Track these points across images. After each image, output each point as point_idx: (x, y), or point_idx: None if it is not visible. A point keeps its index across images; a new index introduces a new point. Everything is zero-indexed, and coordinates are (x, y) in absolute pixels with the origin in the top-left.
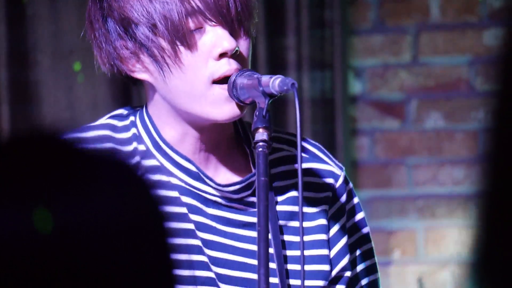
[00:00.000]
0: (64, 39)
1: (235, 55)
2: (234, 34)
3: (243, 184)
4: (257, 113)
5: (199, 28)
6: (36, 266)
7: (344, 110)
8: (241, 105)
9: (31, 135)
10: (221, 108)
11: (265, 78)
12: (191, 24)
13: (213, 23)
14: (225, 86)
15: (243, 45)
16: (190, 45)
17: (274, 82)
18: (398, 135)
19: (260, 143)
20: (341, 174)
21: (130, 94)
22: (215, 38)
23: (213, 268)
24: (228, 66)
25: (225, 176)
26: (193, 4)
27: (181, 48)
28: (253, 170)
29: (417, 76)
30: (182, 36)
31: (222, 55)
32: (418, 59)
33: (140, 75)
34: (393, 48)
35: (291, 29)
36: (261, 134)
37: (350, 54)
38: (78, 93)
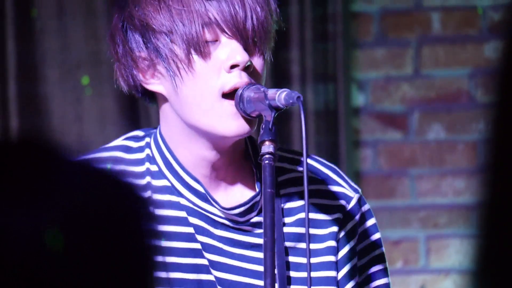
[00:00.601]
0: (72, 53)
1: (248, 70)
2: (249, 50)
3: (247, 206)
4: (263, 126)
5: (215, 41)
6: (46, 282)
7: (347, 122)
8: (249, 119)
9: (48, 152)
10: (228, 123)
11: (271, 92)
12: (208, 35)
13: (229, 36)
14: (233, 102)
15: (257, 62)
16: (204, 55)
17: (280, 96)
18: (400, 146)
19: (267, 156)
20: (355, 196)
21: (137, 107)
22: (229, 50)
23: None
24: (239, 79)
25: (232, 198)
26: (211, 16)
27: (195, 57)
28: (257, 190)
29: (419, 88)
30: (197, 46)
31: (233, 67)
32: (419, 72)
33: (155, 87)
34: (395, 61)
35: (295, 42)
36: (268, 147)
37: (353, 67)
38: (86, 106)
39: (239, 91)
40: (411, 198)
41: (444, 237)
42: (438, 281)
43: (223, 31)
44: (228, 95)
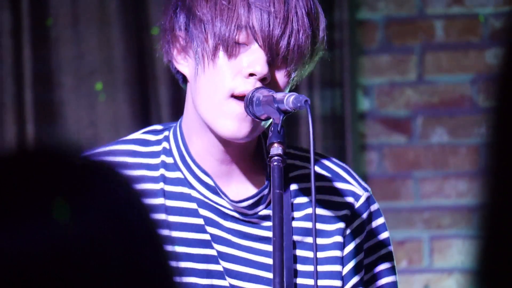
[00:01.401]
0: (86, 60)
1: (264, 81)
2: (275, 65)
3: (255, 199)
4: (272, 128)
5: (245, 44)
6: (54, 273)
7: (353, 126)
8: (254, 125)
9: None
10: (228, 123)
11: (279, 95)
12: (240, 37)
13: (258, 45)
14: (241, 102)
15: (280, 78)
16: (229, 54)
17: (288, 99)
18: (405, 150)
19: (275, 157)
20: (363, 194)
21: (149, 112)
22: (252, 58)
23: (227, 279)
24: (251, 87)
25: (241, 191)
26: (250, 22)
27: (221, 53)
28: (265, 183)
29: (422, 94)
30: (226, 44)
31: (251, 75)
32: (423, 78)
33: (182, 67)
34: (400, 67)
35: None
36: (276, 149)
37: (359, 73)
38: (100, 112)
39: (249, 94)
40: (415, 200)
41: (447, 237)
42: (441, 280)
43: (255, 39)
44: (237, 97)
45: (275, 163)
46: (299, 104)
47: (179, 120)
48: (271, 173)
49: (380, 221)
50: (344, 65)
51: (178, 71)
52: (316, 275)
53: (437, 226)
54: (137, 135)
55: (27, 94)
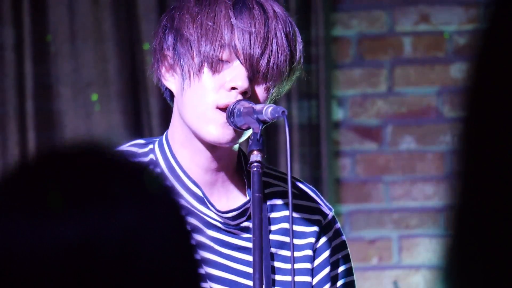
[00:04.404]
0: (83, 73)
1: (245, 95)
2: (255, 80)
3: (239, 211)
4: (252, 137)
5: (228, 62)
6: (55, 273)
7: (328, 134)
8: (236, 133)
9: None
10: (212, 129)
11: (258, 107)
12: (224, 55)
13: (240, 62)
14: (224, 113)
15: (259, 92)
16: (213, 70)
17: (266, 110)
18: (376, 156)
19: (255, 164)
20: (329, 213)
21: (141, 121)
22: (234, 74)
23: (209, 282)
24: (233, 99)
25: (226, 203)
26: (232, 41)
27: (206, 69)
28: (248, 198)
29: (392, 104)
30: (211, 61)
31: (233, 89)
32: (393, 90)
33: (169, 84)
34: (371, 80)
35: None
36: (256, 156)
37: (333, 86)
38: (95, 121)
39: (230, 106)
40: (386, 202)
41: (415, 236)
42: (409, 276)
43: (237, 56)
44: (221, 108)
45: (255, 168)
46: (276, 115)
47: (164, 134)
48: (251, 178)
49: (342, 238)
50: (320, 78)
51: (166, 88)
52: (293, 285)
53: (406, 226)
54: (124, 147)
55: (28, 104)
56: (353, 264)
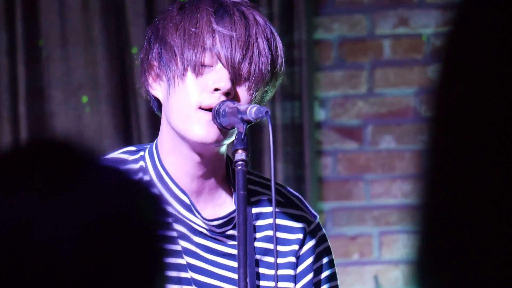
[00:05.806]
0: (74, 76)
1: (228, 96)
2: (237, 82)
3: (225, 220)
4: (236, 136)
5: (210, 66)
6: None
7: (311, 134)
8: (222, 130)
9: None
10: (198, 129)
11: (243, 107)
12: (206, 60)
13: (222, 65)
14: (209, 112)
15: (242, 94)
16: (197, 73)
17: (251, 110)
18: (356, 155)
19: (239, 162)
20: (314, 221)
21: (130, 123)
22: (217, 76)
23: (194, 287)
24: (217, 100)
25: (212, 210)
26: (214, 46)
27: (189, 73)
28: (234, 207)
29: (372, 105)
30: (194, 66)
31: (216, 90)
32: (373, 91)
33: (156, 92)
34: (352, 81)
35: None
36: (240, 155)
37: (316, 87)
38: (86, 122)
39: (216, 107)
40: (366, 200)
41: (394, 233)
42: (389, 270)
43: (219, 59)
44: (204, 109)
45: (239, 167)
46: (260, 115)
47: (154, 142)
48: (236, 176)
49: (326, 245)
50: (303, 80)
51: (154, 99)
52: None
53: (385, 222)
54: (115, 154)
55: (21, 107)
56: (335, 259)
